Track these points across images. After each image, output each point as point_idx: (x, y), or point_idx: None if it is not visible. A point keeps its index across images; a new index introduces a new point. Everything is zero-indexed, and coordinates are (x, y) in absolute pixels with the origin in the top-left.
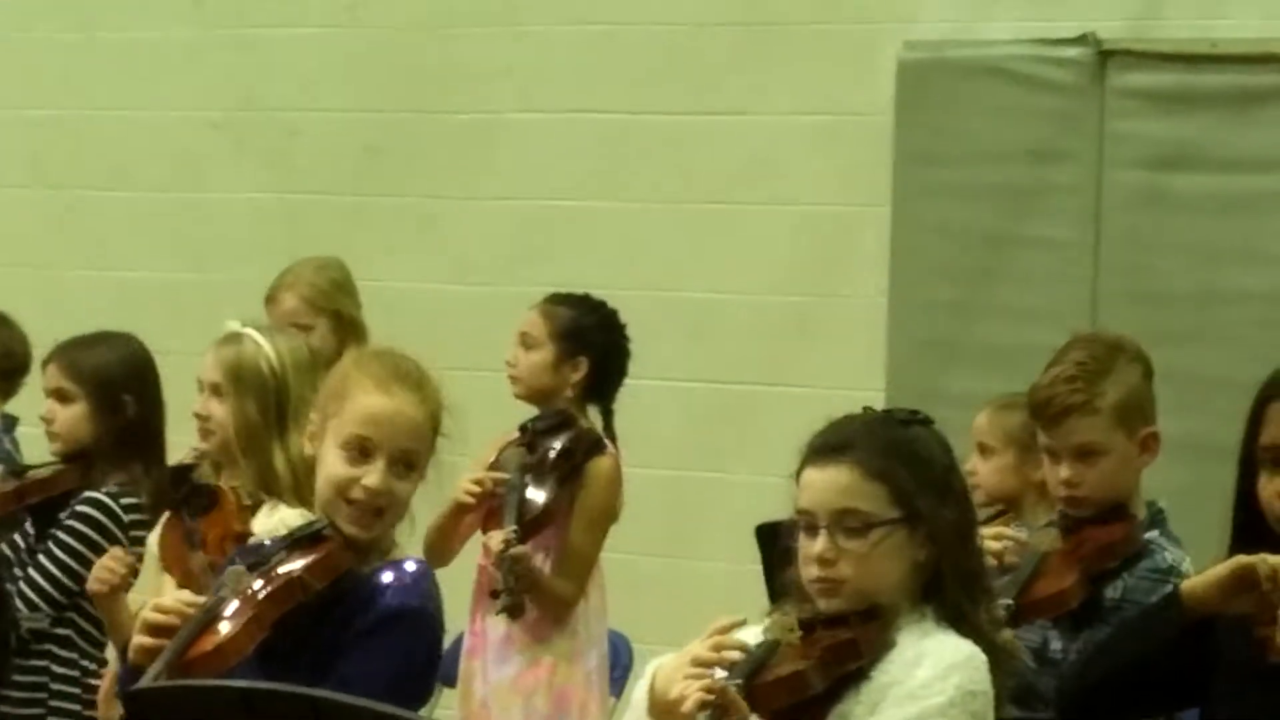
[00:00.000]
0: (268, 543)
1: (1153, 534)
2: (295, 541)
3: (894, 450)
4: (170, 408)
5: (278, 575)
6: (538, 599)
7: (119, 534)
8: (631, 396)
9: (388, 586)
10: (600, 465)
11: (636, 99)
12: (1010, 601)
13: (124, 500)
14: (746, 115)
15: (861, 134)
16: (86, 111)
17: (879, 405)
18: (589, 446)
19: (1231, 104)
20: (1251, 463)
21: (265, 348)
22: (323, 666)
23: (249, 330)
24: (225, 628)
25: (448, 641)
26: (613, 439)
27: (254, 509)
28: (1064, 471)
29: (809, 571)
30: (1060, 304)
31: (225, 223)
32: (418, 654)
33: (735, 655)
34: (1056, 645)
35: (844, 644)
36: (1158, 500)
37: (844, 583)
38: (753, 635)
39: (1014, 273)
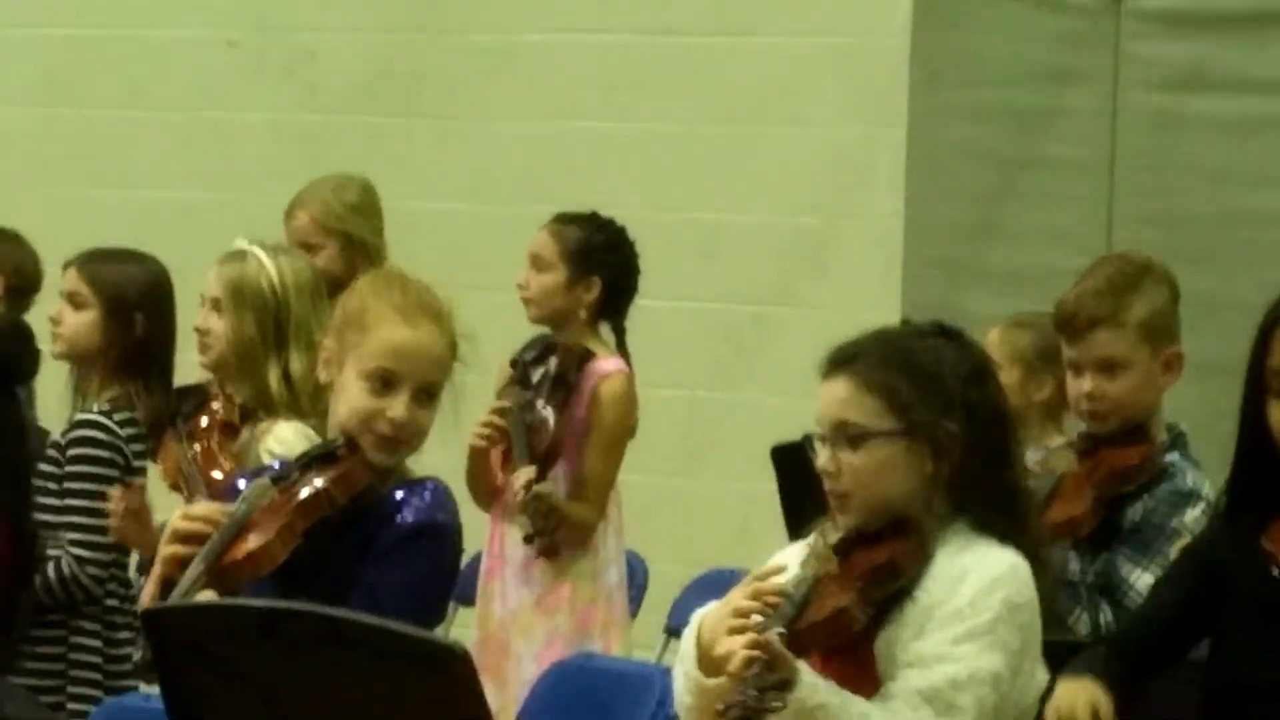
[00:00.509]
0: (278, 464)
1: (1173, 456)
2: (311, 460)
3: (896, 362)
4: (184, 325)
5: (303, 488)
6: (562, 527)
7: (122, 446)
8: (646, 318)
9: (410, 503)
10: (612, 385)
11: (652, 20)
12: None
13: (117, 416)
14: (762, 36)
15: (878, 55)
16: (103, 30)
17: None
18: (579, 361)
19: (1248, 26)
20: (1258, 386)
21: (268, 266)
22: (343, 585)
23: (254, 248)
24: (259, 535)
25: (465, 560)
26: (625, 357)
27: (246, 413)
28: (1086, 384)
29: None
30: (1076, 225)
31: (241, 143)
32: (441, 568)
33: (777, 600)
34: (1074, 566)
35: (882, 567)
36: (1179, 423)
37: (848, 496)
38: (795, 555)
39: (1030, 194)
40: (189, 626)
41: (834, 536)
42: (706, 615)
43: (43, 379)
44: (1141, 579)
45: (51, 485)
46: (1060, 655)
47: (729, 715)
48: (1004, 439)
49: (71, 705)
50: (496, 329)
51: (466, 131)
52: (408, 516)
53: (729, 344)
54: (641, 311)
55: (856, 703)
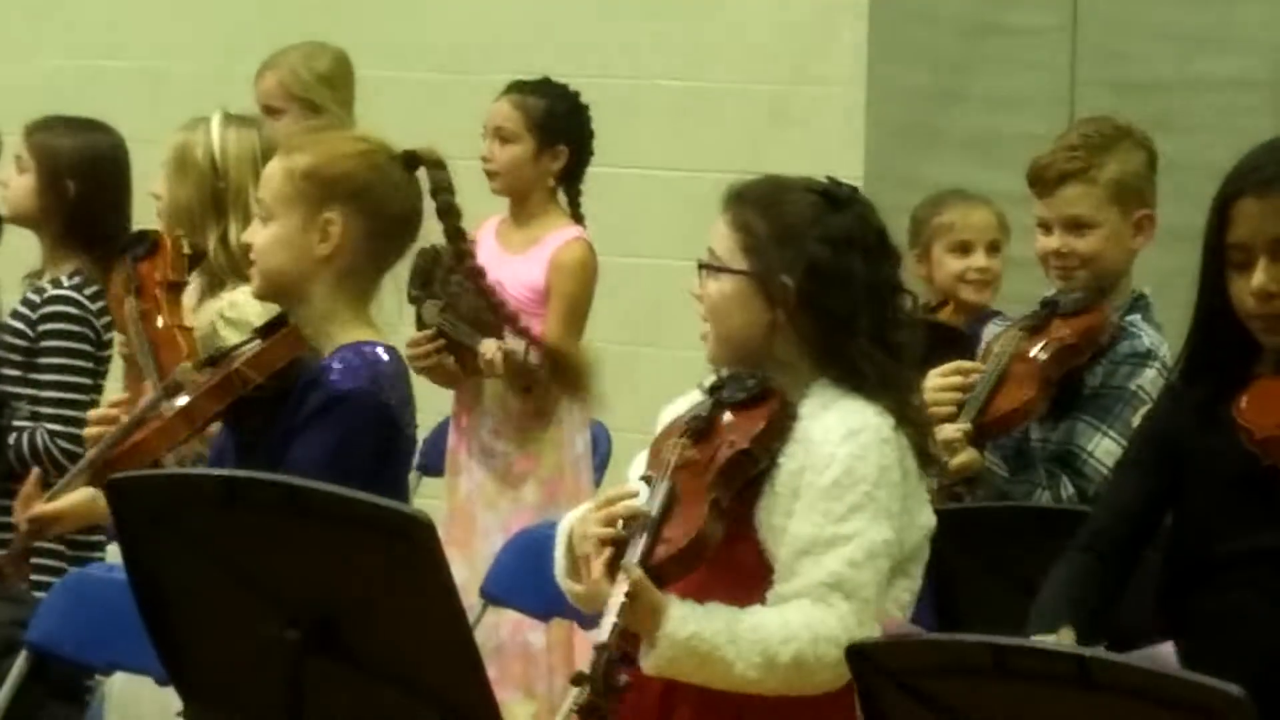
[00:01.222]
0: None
1: (1134, 317)
2: (256, 332)
3: (763, 206)
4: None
5: (219, 369)
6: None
7: (93, 320)
8: (609, 185)
9: (333, 369)
10: (571, 250)
11: None
12: (968, 425)
13: (87, 290)
14: None
15: None
16: None
17: None
18: (455, 238)
19: None
20: (1217, 258)
21: (213, 136)
22: (276, 459)
23: (214, 117)
24: (150, 426)
25: (430, 429)
26: (580, 222)
27: (194, 260)
28: (1054, 242)
29: None
30: (1038, 91)
31: (204, 12)
32: (358, 439)
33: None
34: (1036, 435)
35: (732, 461)
36: (1142, 287)
37: (706, 326)
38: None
39: (992, 60)
40: (151, 496)
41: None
42: (576, 522)
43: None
44: (1101, 445)
45: (14, 357)
46: (1021, 525)
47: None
48: (854, 309)
49: (34, 576)
50: (461, 194)
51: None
52: (329, 383)
53: (692, 211)
54: (606, 180)
55: (743, 618)
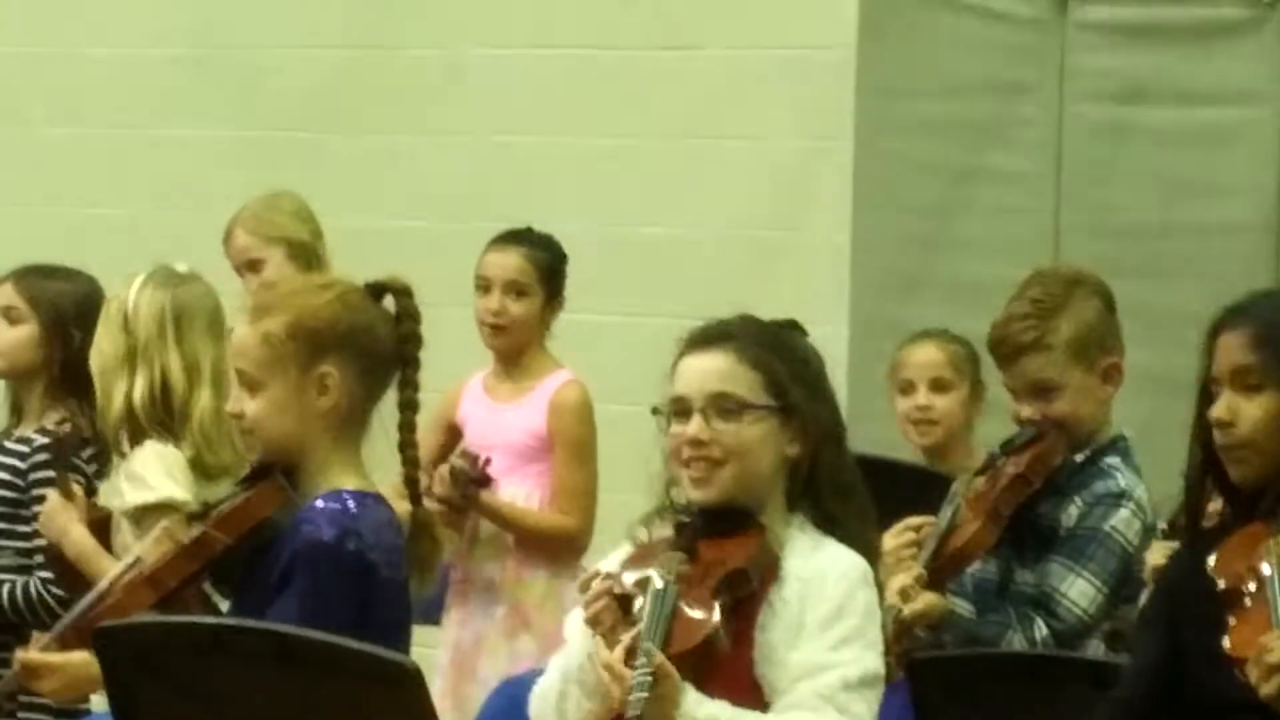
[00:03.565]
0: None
1: (1113, 459)
2: (240, 483)
3: (771, 343)
4: None
5: (196, 528)
6: (529, 537)
7: (83, 467)
8: (594, 333)
9: (302, 523)
10: (568, 393)
11: (596, 34)
12: (921, 570)
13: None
14: (708, 50)
15: (824, 67)
16: (44, 47)
17: (842, 340)
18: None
19: (1192, 37)
20: (1208, 395)
21: (131, 291)
22: (260, 609)
23: (140, 275)
24: (126, 588)
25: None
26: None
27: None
28: (1025, 410)
29: (681, 456)
30: (1022, 237)
31: (184, 161)
32: (330, 591)
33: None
34: (1018, 579)
35: (732, 575)
36: (1123, 430)
37: (718, 465)
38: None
39: (976, 206)
40: (139, 642)
41: (665, 530)
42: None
43: None
44: (1075, 586)
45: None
46: (1004, 671)
47: None
48: (844, 431)
49: None
50: (443, 345)
51: (410, 148)
52: (298, 538)
53: None
54: (592, 327)
55: (749, 714)
